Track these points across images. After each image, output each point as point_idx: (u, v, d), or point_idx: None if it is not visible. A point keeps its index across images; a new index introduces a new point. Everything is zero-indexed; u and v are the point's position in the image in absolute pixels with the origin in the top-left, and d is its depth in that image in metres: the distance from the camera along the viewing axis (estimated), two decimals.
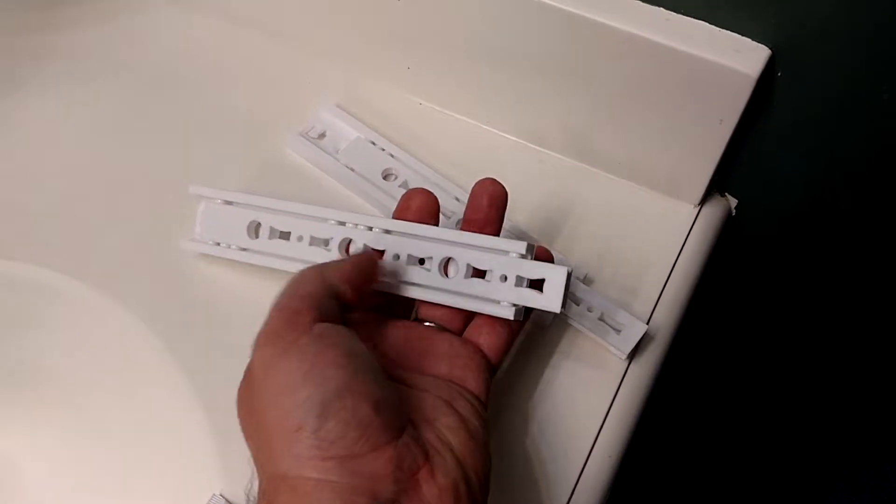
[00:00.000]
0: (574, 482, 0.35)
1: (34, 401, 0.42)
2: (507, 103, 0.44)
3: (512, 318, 0.31)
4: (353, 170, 0.43)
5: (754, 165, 0.42)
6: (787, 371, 0.61)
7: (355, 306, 0.30)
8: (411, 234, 0.33)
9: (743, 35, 0.36)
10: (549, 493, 0.34)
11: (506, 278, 0.32)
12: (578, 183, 0.44)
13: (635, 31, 0.36)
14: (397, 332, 0.32)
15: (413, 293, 0.33)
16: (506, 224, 0.41)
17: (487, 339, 0.32)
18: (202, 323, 0.39)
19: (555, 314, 0.33)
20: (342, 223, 0.35)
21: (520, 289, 0.31)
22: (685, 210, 0.43)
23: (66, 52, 0.49)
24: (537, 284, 0.31)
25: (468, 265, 0.32)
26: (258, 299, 0.37)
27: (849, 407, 0.65)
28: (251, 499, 0.27)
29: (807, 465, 0.75)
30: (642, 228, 0.42)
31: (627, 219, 0.43)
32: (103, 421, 0.41)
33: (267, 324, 0.27)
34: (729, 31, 0.36)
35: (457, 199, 0.42)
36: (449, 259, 0.33)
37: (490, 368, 0.32)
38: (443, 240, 0.33)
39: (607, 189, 0.44)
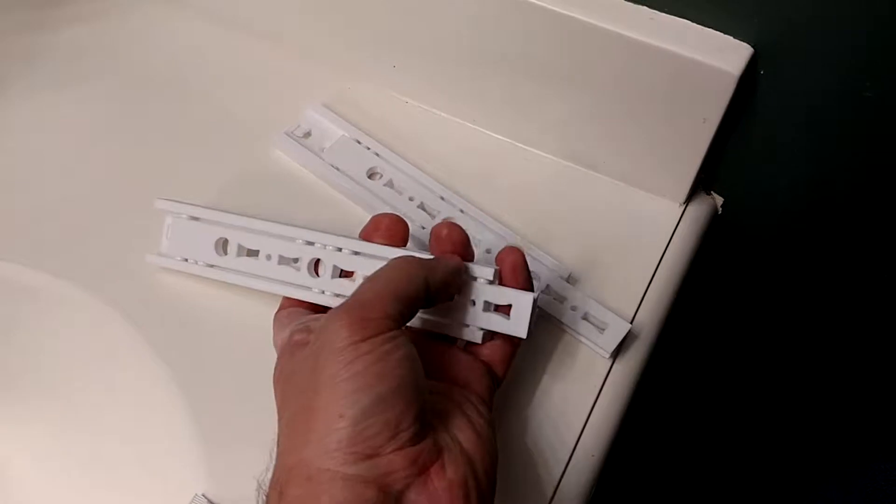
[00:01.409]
0: (557, 481, 0.35)
1: (23, 401, 0.42)
2: (493, 102, 0.44)
3: (479, 342, 0.33)
4: (338, 169, 0.43)
5: (740, 164, 0.42)
6: (774, 369, 0.61)
7: None
8: (381, 257, 0.33)
9: (726, 33, 0.36)
10: (532, 492, 0.34)
11: (474, 303, 0.32)
12: (563, 181, 0.44)
13: (619, 30, 0.36)
14: (419, 344, 0.33)
15: None
16: (491, 224, 0.41)
17: (486, 351, 0.33)
18: (189, 324, 0.39)
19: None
20: (311, 243, 0.35)
21: (488, 313, 0.32)
22: (671, 208, 0.43)
23: (54, 54, 0.49)
24: (505, 308, 0.32)
25: None
26: (243, 303, 0.38)
27: (837, 404, 0.65)
28: (263, 488, 0.28)
29: (795, 463, 0.75)
30: (627, 227, 0.42)
31: (612, 217, 0.43)
32: (88, 421, 0.41)
33: (358, 305, 0.27)
34: (712, 30, 0.36)
35: (442, 199, 0.42)
36: None
37: (492, 376, 0.33)
38: None
39: (592, 187, 0.44)
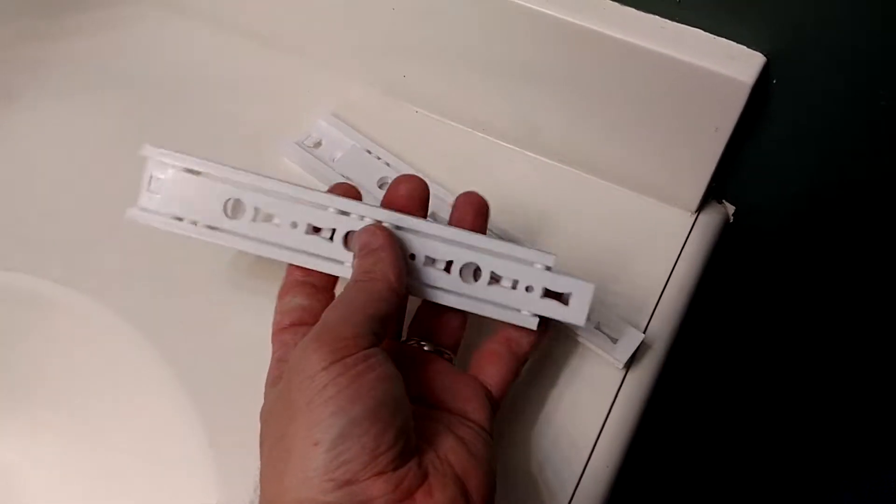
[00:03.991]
0: (571, 493, 0.34)
1: (31, 410, 0.42)
2: (503, 111, 0.44)
3: (534, 328, 0.32)
4: (348, 179, 0.43)
5: (752, 172, 0.42)
6: (787, 378, 0.61)
7: None
8: (427, 234, 0.32)
9: (738, 42, 0.36)
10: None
11: (531, 289, 0.32)
12: (574, 190, 0.44)
13: (630, 39, 0.36)
14: (405, 358, 0.32)
15: (434, 297, 0.32)
16: (500, 233, 0.41)
17: (490, 372, 0.32)
18: (200, 332, 0.39)
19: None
20: (345, 213, 0.31)
21: (545, 300, 0.32)
22: (682, 217, 0.43)
23: (64, 63, 0.49)
24: (559, 296, 0.32)
25: (491, 272, 0.32)
26: (253, 308, 0.38)
27: (850, 412, 0.65)
28: None
29: (808, 472, 0.74)
30: (639, 236, 0.42)
31: (624, 226, 0.42)
32: (100, 431, 0.40)
33: (326, 329, 0.27)
34: (724, 39, 0.36)
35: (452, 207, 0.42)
36: (467, 264, 0.32)
37: (492, 400, 0.32)
38: (464, 243, 0.32)
39: (603, 196, 0.44)
